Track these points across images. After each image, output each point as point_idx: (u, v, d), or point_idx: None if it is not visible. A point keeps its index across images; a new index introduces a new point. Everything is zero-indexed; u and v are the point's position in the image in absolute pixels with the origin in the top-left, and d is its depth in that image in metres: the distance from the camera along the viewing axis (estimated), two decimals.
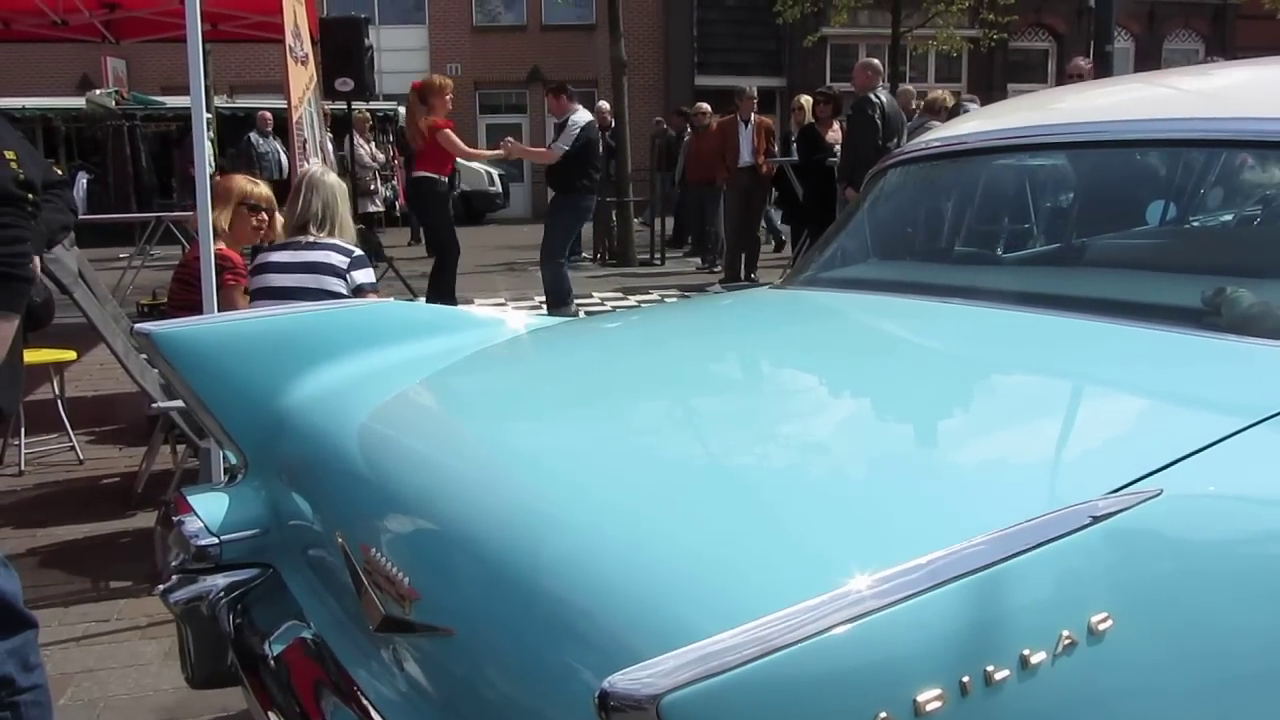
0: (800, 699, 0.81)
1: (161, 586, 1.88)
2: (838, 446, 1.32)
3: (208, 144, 3.05)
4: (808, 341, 1.98)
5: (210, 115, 12.57)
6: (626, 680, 0.77)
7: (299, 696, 1.60)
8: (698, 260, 12.09)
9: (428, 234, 8.29)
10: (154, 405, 3.46)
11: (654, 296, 9.30)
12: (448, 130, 7.14)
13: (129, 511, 3.99)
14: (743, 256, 10.56)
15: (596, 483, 1.25)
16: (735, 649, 0.80)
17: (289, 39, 5.33)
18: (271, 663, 1.68)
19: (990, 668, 0.86)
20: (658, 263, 12.08)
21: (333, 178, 3.72)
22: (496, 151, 8.44)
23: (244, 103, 15.52)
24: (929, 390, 1.51)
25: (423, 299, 8.44)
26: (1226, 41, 22.87)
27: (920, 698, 0.84)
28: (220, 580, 1.84)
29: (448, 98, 7.17)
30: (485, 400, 1.84)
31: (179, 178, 16.25)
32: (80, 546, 3.69)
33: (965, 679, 0.85)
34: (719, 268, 11.17)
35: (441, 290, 7.50)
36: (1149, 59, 22.00)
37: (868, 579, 0.86)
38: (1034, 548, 0.90)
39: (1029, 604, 0.90)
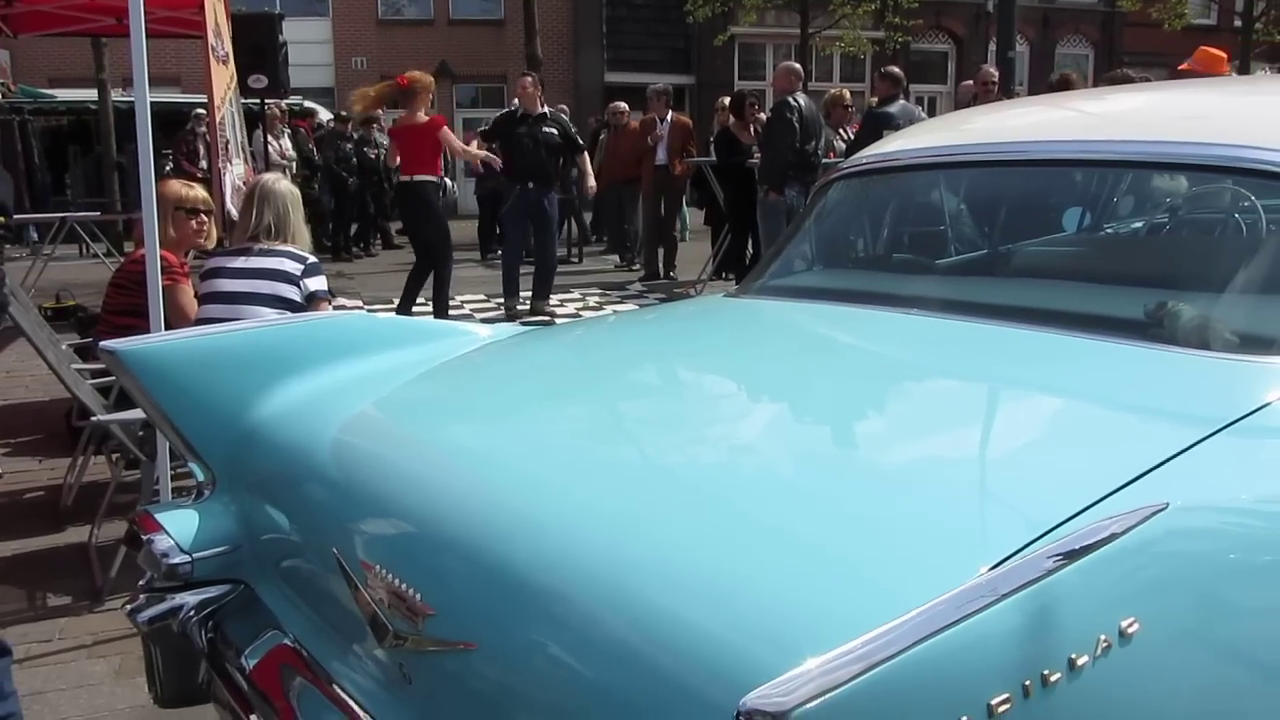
0: (904, 705, 0.88)
1: (129, 605, 1.86)
2: (883, 467, 1.38)
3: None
4: (810, 358, 2.01)
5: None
6: (757, 699, 0.82)
7: (280, 702, 1.60)
8: (615, 258, 12.13)
9: (418, 240, 7.65)
10: (93, 418, 3.36)
11: (575, 295, 9.31)
12: (447, 129, 7.17)
13: (59, 526, 3.86)
14: (660, 253, 10.66)
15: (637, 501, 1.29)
16: (856, 660, 0.85)
17: (210, 38, 5.20)
18: (250, 673, 1.68)
19: (1046, 671, 0.95)
20: (575, 260, 12.09)
21: (285, 185, 3.68)
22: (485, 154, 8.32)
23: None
24: (933, 408, 1.60)
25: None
26: (1114, 47, 23.84)
27: (992, 701, 0.91)
28: (191, 598, 1.83)
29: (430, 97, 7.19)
30: (488, 409, 1.85)
31: (74, 174, 15.67)
32: (10, 564, 3.56)
33: (1027, 682, 0.93)
34: (637, 265, 11.24)
35: (437, 303, 7.47)
36: (1042, 63, 22.76)
37: (944, 595, 0.92)
38: (1077, 558, 0.98)
39: (1075, 612, 0.98)
